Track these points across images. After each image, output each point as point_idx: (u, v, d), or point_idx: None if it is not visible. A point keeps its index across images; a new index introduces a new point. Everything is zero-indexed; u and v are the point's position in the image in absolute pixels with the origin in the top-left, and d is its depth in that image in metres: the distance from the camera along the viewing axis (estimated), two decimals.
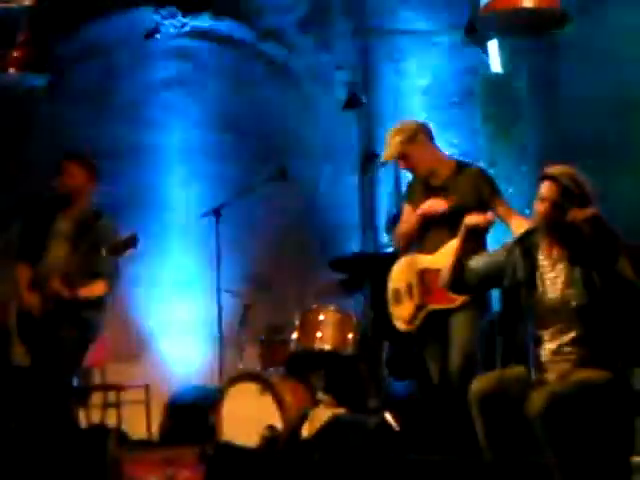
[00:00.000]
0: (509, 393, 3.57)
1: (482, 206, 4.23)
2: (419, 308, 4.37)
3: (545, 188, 3.61)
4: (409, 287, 4.43)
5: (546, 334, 3.65)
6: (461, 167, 4.47)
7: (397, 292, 4.50)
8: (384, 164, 4.58)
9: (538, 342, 3.65)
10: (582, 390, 3.47)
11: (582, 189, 3.60)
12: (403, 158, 4.41)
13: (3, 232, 5.89)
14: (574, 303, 3.58)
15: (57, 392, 4.81)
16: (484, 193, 4.34)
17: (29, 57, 5.74)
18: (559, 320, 3.62)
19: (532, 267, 3.69)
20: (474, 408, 3.58)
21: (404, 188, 4.93)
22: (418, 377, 5.09)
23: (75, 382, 5.27)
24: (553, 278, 3.66)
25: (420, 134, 4.40)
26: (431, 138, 4.46)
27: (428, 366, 4.45)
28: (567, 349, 3.61)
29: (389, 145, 4.41)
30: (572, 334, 3.60)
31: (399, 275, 4.51)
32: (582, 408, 3.43)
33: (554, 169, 3.64)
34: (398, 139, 4.37)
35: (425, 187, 4.45)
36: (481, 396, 3.57)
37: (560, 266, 3.65)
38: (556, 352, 3.62)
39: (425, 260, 4.40)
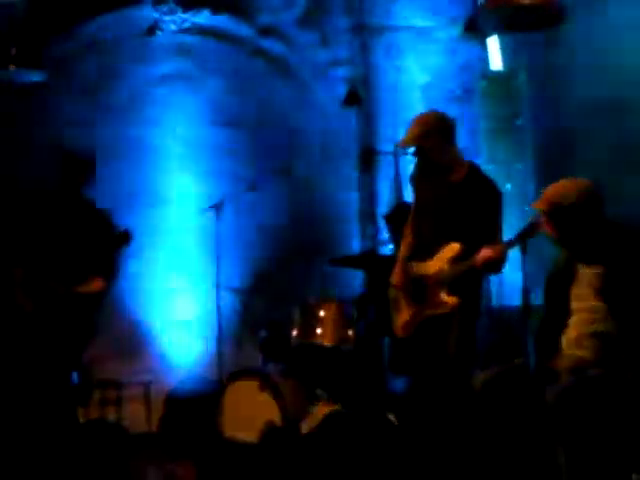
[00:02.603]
0: (513, 385, 3.59)
1: (480, 218, 4.21)
2: (415, 315, 4.37)
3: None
4: (406, 295, 4.43)
5: (570, 323, 3.69)
6: (474, 173, 4.37)
7: (396, 300, 4.50)
8: (401, 149, 4.48)
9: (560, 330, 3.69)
10: (597, 386, 3.48)
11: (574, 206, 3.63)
12: (418, 149, 4.33)
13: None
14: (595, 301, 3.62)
15: (56, 390, 4.81)
16: (485, 209, 4.24)
17: (27, 53, 5.73)
18: (582, 311, 3.66)
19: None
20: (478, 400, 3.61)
21: (405, 184, 4.92)
22: (418, 374, 5.09)
23: (75, 379, 5.26)
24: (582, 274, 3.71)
25: (438, 131, 4.29)
26: (451, 135, 4.34)
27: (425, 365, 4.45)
28: (586, 342, 3.63)
29: (407, 134, 4.32)
30: (594, 327, 3.62)
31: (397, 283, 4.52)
32: (596, 404, 3.43)
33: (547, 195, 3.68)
34: (416, 131, 4.28)
35: (433, 182, 4.40)
36: (485, 387, 3.60)
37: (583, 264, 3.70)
38: (575, 342, 3.65)
39: (420, 267, 4.39)
